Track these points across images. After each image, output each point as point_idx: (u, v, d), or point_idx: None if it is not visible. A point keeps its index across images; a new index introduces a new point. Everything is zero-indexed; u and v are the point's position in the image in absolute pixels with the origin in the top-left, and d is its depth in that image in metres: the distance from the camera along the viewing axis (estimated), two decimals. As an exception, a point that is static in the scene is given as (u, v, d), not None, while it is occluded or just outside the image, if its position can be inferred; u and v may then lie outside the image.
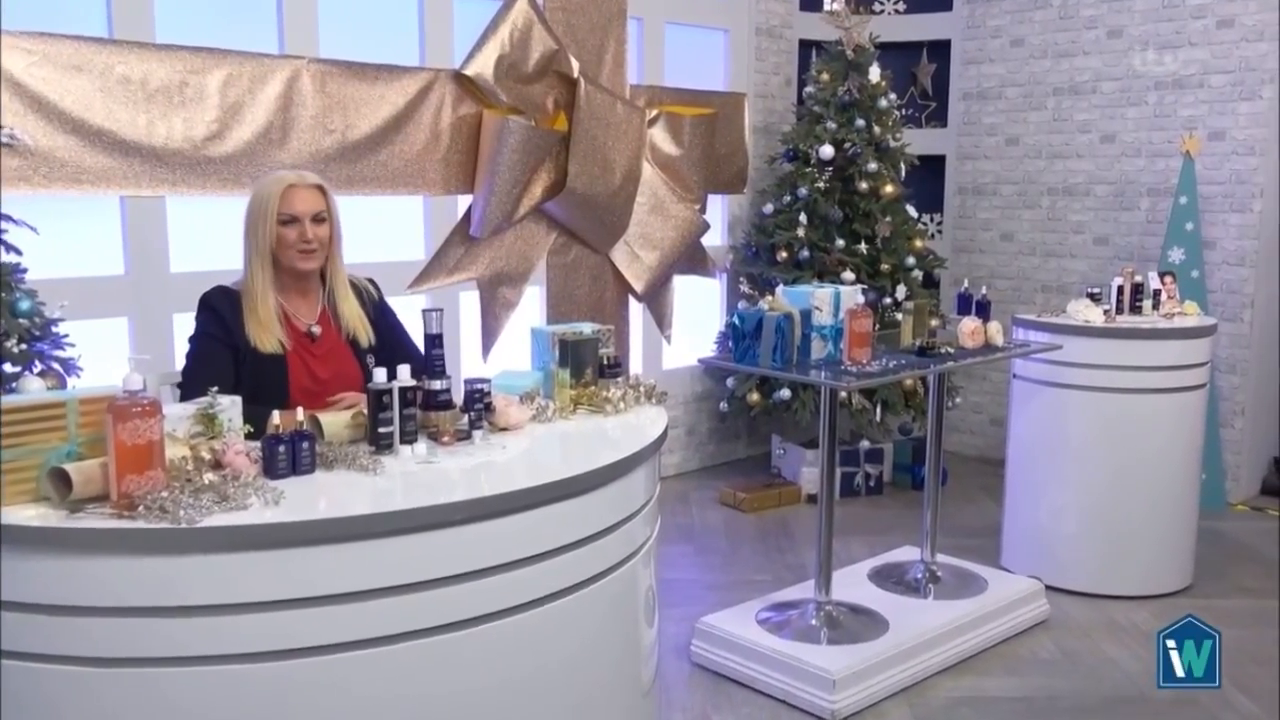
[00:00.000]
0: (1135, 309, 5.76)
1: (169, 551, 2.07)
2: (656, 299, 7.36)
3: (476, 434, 2.77)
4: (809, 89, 7.45)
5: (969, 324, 4.96)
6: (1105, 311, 5.53)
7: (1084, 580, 5.54)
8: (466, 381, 2.83)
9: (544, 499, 2.41)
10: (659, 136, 7.02)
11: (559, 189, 6.40)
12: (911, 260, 7.19)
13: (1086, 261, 7.67)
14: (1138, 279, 5.81)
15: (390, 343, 3.56)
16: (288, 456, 2.40)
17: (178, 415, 2.47)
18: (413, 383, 2.69)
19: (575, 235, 6.73)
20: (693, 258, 7.45)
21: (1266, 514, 6.95)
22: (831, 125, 7.14)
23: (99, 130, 4.77)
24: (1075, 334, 5.42)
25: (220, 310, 3.32)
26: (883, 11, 8.22)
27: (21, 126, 4.54)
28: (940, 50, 8.29)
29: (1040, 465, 5.65)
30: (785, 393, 6.97)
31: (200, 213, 5.26)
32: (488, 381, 2.89)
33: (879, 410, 7.10)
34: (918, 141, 7.77)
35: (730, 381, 7.35)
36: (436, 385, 2.77)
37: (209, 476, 2.25)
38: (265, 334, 3.30)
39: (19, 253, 4.05)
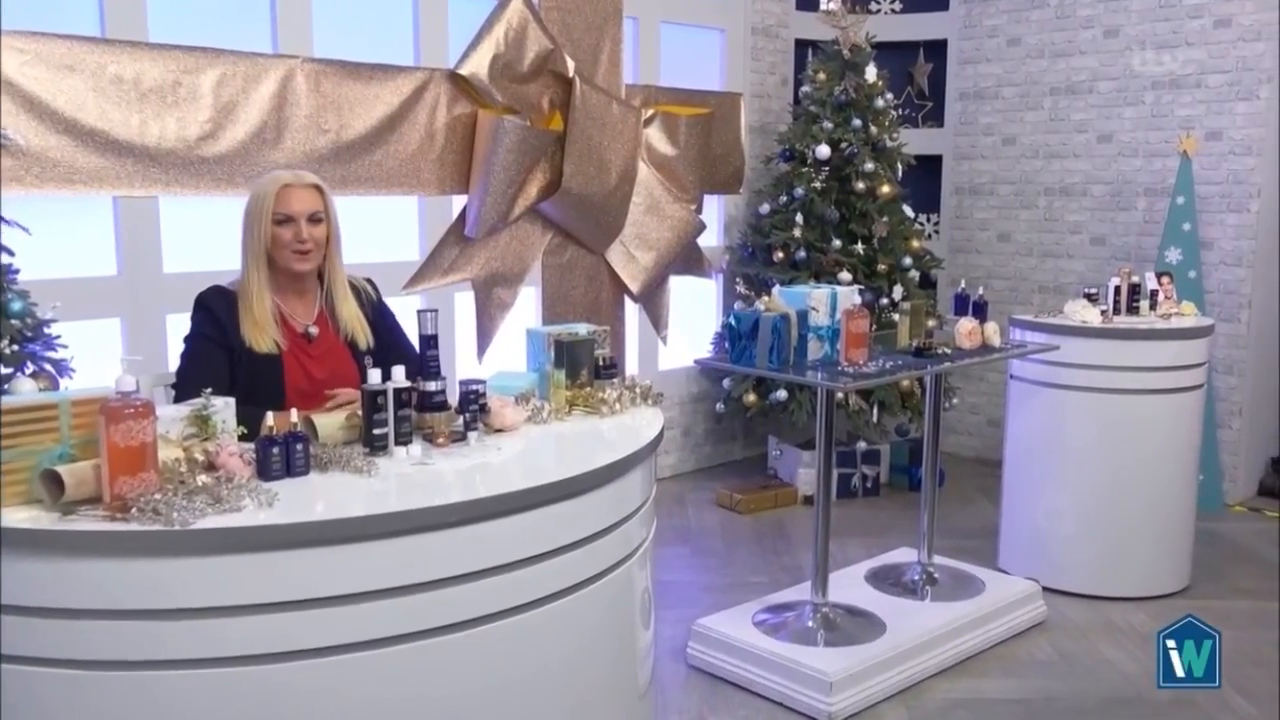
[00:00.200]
0: (1132, 309, 5.76)
1: (162, 554, 2.06)
2: (652, 300, 7.34)
3: (471, 435, 2.76)
4: (805, 89, 7.45)
5: (966, 324, 4.95)
6: (1102, 312, 5.52)
7: (1081, 582, 5.52)
8: (461, 382, 2.82)
9: (539, 500, 2.40)
10: (655, 136, 7.01)
11: (554, 189, 6.39)
12: (908, 260, 7.18)
13: (1083, 262, 7.67)
14: (1135, 279, 5.80)
15: (388, 344, 3.53)
16: (282, 458, 2.40)
17: (171, 417, 2.46)
18: (407, 384, 2.68)
19: (571, 236, 6.72)
20: (689, 258, 7.44)
21: (1264, 515, 6.94)
22: (828, 125, 7.13)
23: (92, 130, 4.74)
24: (1072, 334, 5.41)
25: (216, 310, 3.30)
26: (879, 11, 8.21)
27: (14, 126, 4.52)
28: (937, 50, 8.29)
29: (1037, 466, 5.64)
30: (782, 394, 6.96)
31: (193, 213, 5.24)
32: (483, 382, 2.88)
33: (876, 411, 7.08)
34: (914, 141, 7.76)
35: (726, 382, 7.34)
36: (431, 386, 2.77)
37: (202, 478, 2.25)
38: (261, 334, 3.28)
39: (11, 253, 4.03)
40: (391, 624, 2.21)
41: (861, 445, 7.28)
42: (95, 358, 4.26)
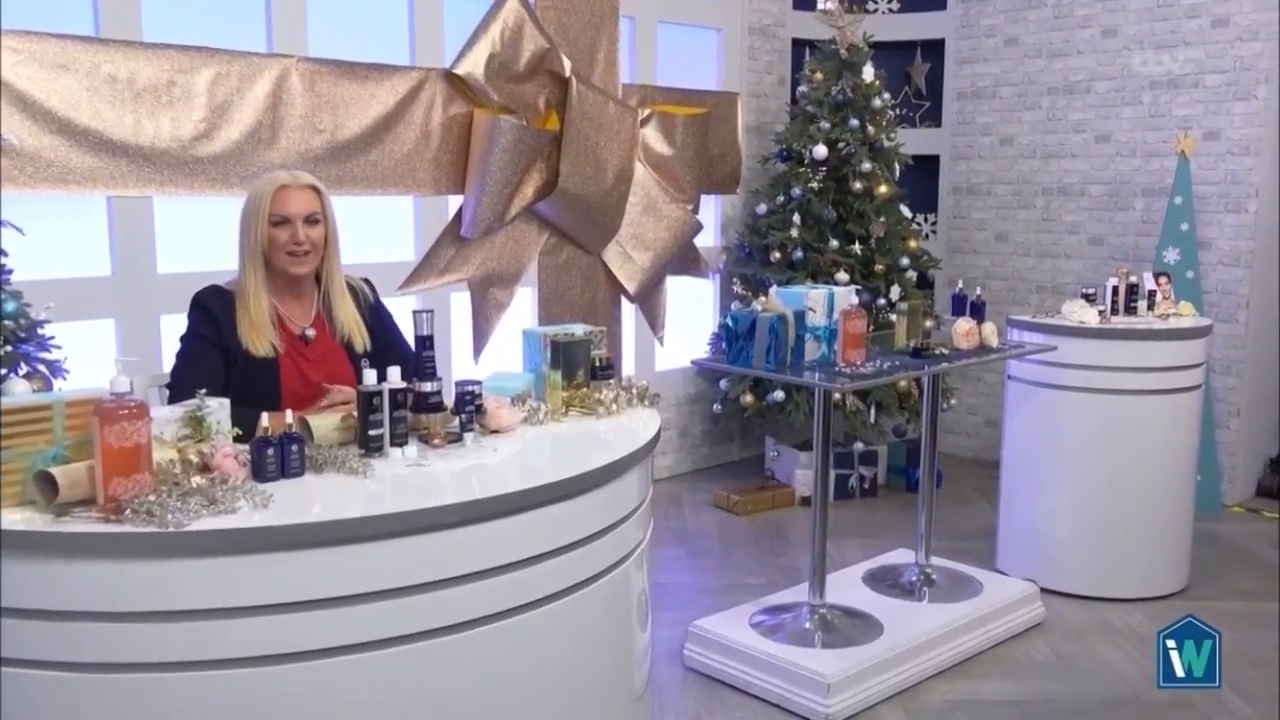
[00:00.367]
0: (1130, 310, 5.75)
1: (156, 556, 2.04)
2: (649, 300, 7.33)
3: (467, 436, 2.76)
4: (802, 88, 7.44)
5: (963, 325, 4.95)
6: (1100, 312, 5.51)
7: (1079, 583, 5.52)
8: (457, 383, 2.82)
9: (536, 502, 2.39)
10: (651, 136, 7.00)
11: (551, 189, 6.37)
12: (906, 261, 7.17)
13: (1081, 262, 7.66)
14: (1133, 280, 5.80)
15: (386, 345, 3.51)
16: (276, 459, 2.39)
17: (165, 418, 2.45)
18: (403, 385, 2.67)
19: (567, 236, 6.71)
20: (685, 258, 7.43)
21: (1262, 516, 6.94)
22: (825, 125, 7.12)
23: (85, 130, 4.73)
24: (1070, 335, 5.41)
25: (212, 310, 3.27)
26: (876, 10, 8.20)
27: (7, 126, 4.50)
28: (934, 49, 8.28)
29: (1035, 467, 5.63)
30: (779, 394, 6.95)
31: (188, 213, 5.23)
32: (479, 383, 2.87)
33: (873, 412, 7.08)
34: (912, 141, 7.76)
35: (724, 383, 7.33)
36: (427, 387, 2.76)
37: (197, 480, 2.24)
38: (257, 336, 3.25)
39: (4, 254, 4.02)
40: (387, 626, 2.19)
41: (859, 446, 7.27)
42: (89, 359, 4.23)
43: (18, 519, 2.10)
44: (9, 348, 3.89)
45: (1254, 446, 7.29)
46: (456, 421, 2.76)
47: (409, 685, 2.24)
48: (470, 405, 2.79)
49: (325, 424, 2.68)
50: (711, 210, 7.80)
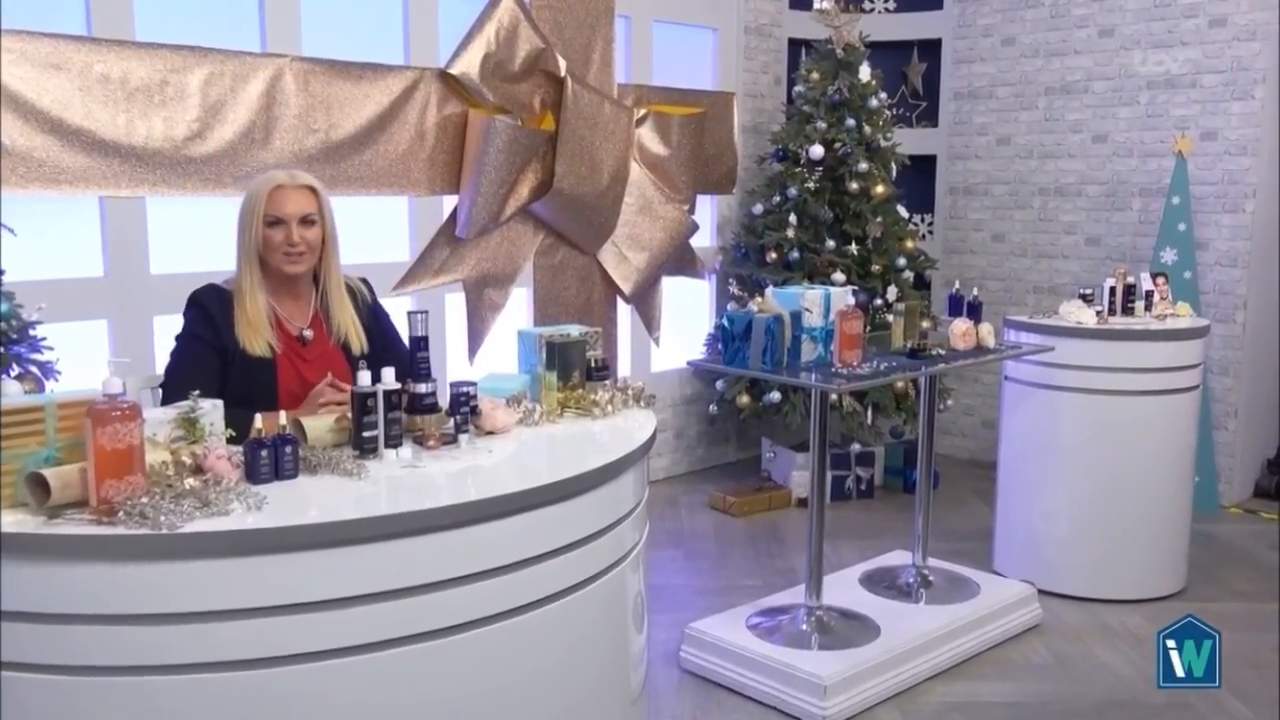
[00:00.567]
0: (1127, 310, 5.74)
1: (149, 558, 2.03)
2: (645, 301, 7.32)
3: (462, 438, 2.75)
4: (798, 88, 7.42)
5: (960, 325, 4.94)
6: (1097, 313, 5.51)
7: (1077, 584, 5.51)
8: (452, 384, 2.81)
9: (531, 503, 2.38)
10: (647, 136, 6.99)
11: (546, 189, 6.36)
12: (902, 261, 7.16)
13: (1078, 262, 7.65)
14: (1130, 280, 5.79)
15: (383, 345, 3.50)
16: (270, 461, 2.38)
17: (158, 419, 2.43)
18: (397, 386, 2.66)
19: (562, 236, 6.69)
20: (681, 259, 7.42)
21: (1260, 517, 6.93)
22: (821, 125, 7.11)
23: (77, 130, 4.71)
24: (1067, 336, 5.40)
25: (210, 309, 3.26)
26: (873, 10, 8.19)
27: (-1, 126, 4.49)
28: (931, 49, 8.27)
29: (1032, 468, 5.62)
30: (775, 395, 6.94)
31: (181, 213, 5.21)
32: (474, 384, 2.87)
33: (870, 413, 7.07)
34: (908, 141, 7.75)
35: (720, 384, 7.32)
36: (422, 388, 2.76)
37: (190, 481, 2.22)
38: (254, 336, 3.24)
39: (-3, 255, 4.00)
40: (382, 628, 2.18)
41: (855, 447, 7.26)
42: (81, 360, 4.22)
43: (9, 521, 2.08)
44: (1, 349, 3.87)
45: (1251, 447, 7.28)
46: (451, 423, 2.74)
47: (404, 688, 2.23)
48: (465, 406, 2.78)
49: (319, 425, 2.67)
50: (707, 210, 7.79)
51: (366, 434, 2.58)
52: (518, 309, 6.64)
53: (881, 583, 5.23)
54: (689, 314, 7.77)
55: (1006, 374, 5.73)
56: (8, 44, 4.50)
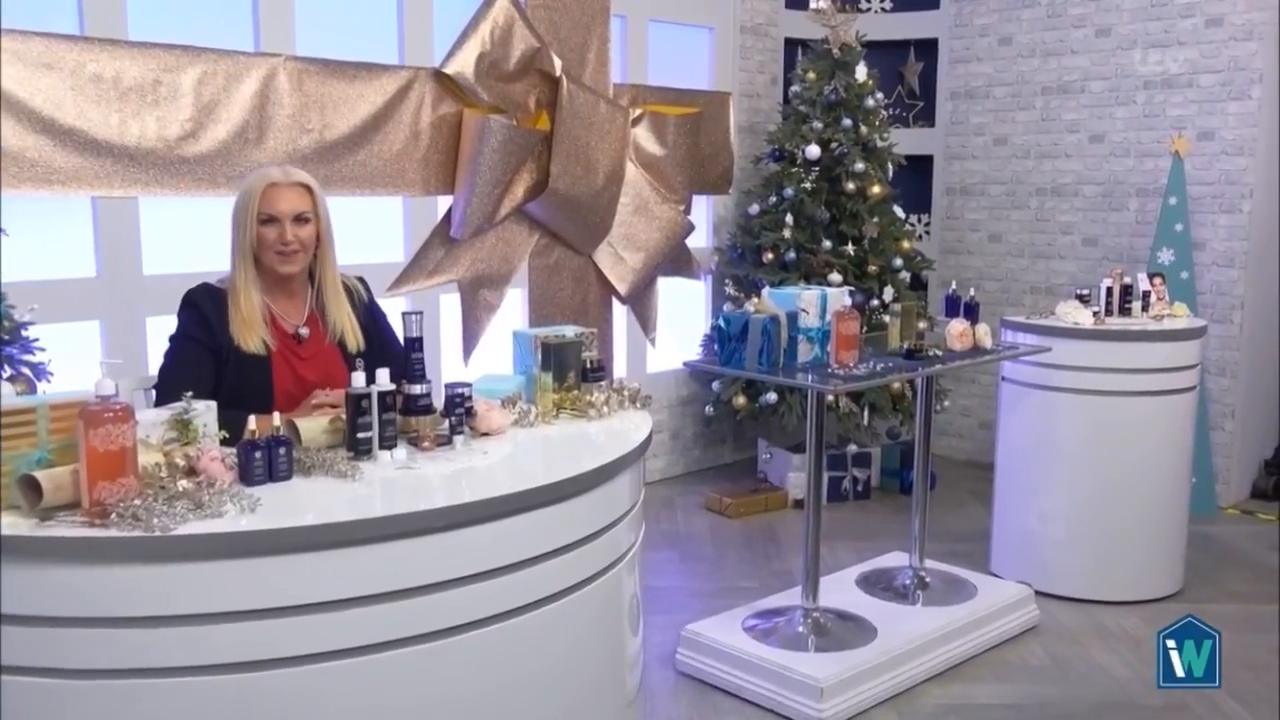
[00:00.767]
0: (1124, 311, 5.74)
1: (142, 560, 2.03)
2: (641, 301, 7.30)
3: (457, 439, 2.75)
4: (795, 88, 7.41)
5: (957, 326, 4.93)
6: (1094, 313, 5.51)
7: (1074, 585, 5.50)
8: (447, 386, 2.81)
9: (526, 505, 2.38)
10: (643, 136, 6.97)
11: (541, 189, 6.34)
12: (899, 261, 7.15)
13: (1075, 263, 7.64)
14: (1127, 280, 5.79)
15: (379, 344, 3.48)
16: (264, 462, 2.38)
17: (151, 421, 2.44)
18: (392, 387, 2.65)
19: (558, 237, 6.67)
20: (677, 259, 7.40)
21: (1257, 518, 6.93)
22: (818, 125, 7.10)
23: (70, 129, 4.69)
24: (1064, 336, 5.40)
25: (204, 308, 3.24)
26: (869, 10, 8.18)
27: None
28: (927, 49, 8.26)
29: (1029, 469, 5.61)
30: (771, 396, 6.93)
31: (174, 214, 5.20)
32: (469, 385, 2.87)
33: (866, 414, 7.06)
34: (905, 141, 7.74)
35: (716, 385, 7.31)
36: (416, 389, 2.75)
37: (183, 483, 2.22)
38: (249, 333, 3.22)
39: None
40: (377, 631, 2.19)
41: (852, 448, 7.25)
42: (74, 361, 4.20)
43: (1, 524, 2.08)
44: (-8, 350, 3.86)
45: (1249, 448, 7.28)
46: (446, 424, 2.74)
47: (398, 690, 2.22)
48: (460, 408, 2.77)
49: (313, 426, 2.67)
50: (703, 211, 7.78)
51: (361, 435, 2.57)
52: (513, 310, 6.62)
53: (878, 584, 5.22)
54: (685, 315, 7.76)
55: (1003, 375, 5.72)
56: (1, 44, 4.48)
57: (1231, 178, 6.92)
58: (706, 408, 7.48)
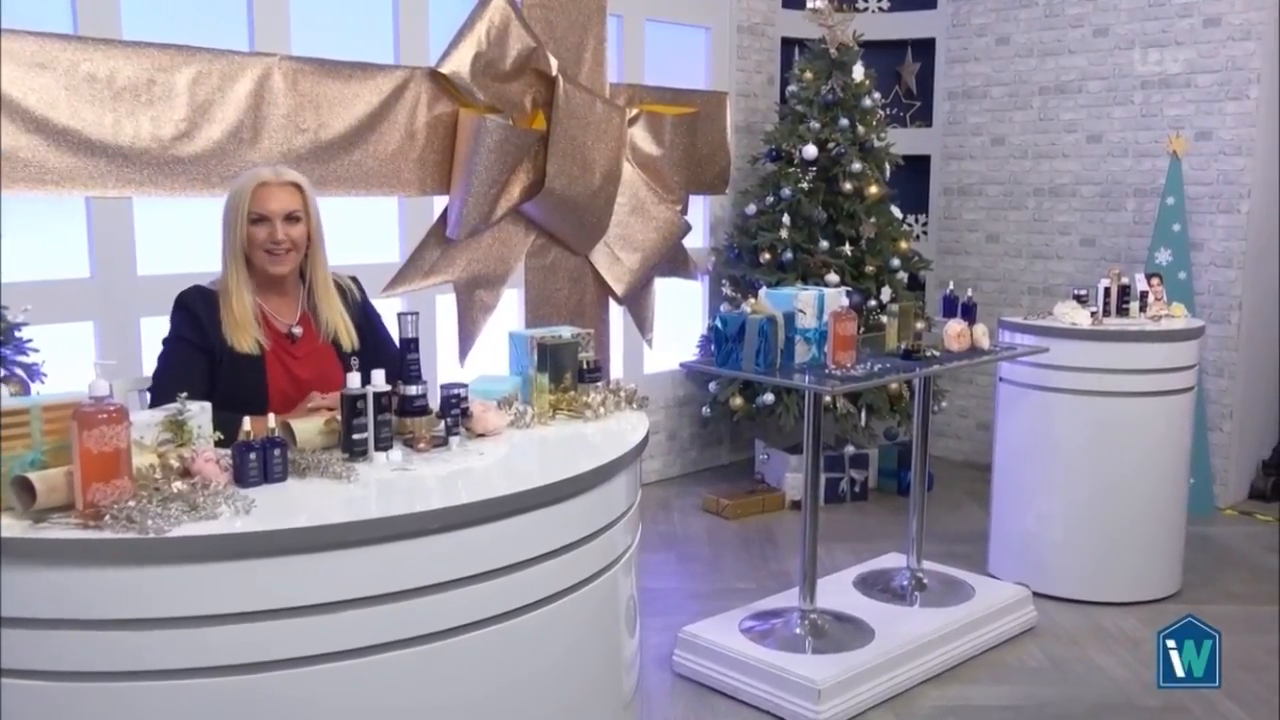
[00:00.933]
0: (1122, 311, 5.73)
1: (136, 562, 2.03)
2: (637, 302, 7.29)
3: (453, 440, 2.75)
4: (792, 88, 7.40)
5: (954, 327, 4.92)
6: (1092, 314, 5.50)
7: (1072, 587, 5.49)
8: (443, 386, 2.81)
9: (522, 506, 2.38)
10: (639, 136, 6.96)
11: (537, 190, 6.33)
12: (896, 262, 7.14)
13: (1073, 263, 7.64)
14: (1124, 281, 5.78)
15: (373, 344, 3.48)
16: (259, 464, 2.38)
17: (146, 422, 2.43)
18: (387, 388, 2.64)
19: (554, 237, 6.66)
20: (674, 259, 7.39)
21: (1255, 518, 6.92)
22: (815, 125, 7.09)
23: (64, 129, 4.67)
24: (1062, 337, 5.39)
25: (195, 311, 3.23)
26: (866, 9, 8.18)
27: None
28: (925, 49, 8.26)
29: (1027, 470, 5.60)
30: (769, 397, 6.92)
31: (168, 214, 5.18)
32: (465, 386, 2.87)
33: (864, 415, 7.04)
34: (902, 141, 7.73)
35: (713, 386, 7.29)
36: (412, 390, 2.75)
37: (178, 485, 2.23)
38: (241, 333, 3.21)
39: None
40: (372, 633, 2.18)
41: (849, 449, 7.24)
42: (68, 362, 4.19)
43: (-5, 526, 2.08)
44: (-14, 351, 3.85)
45: (1247, 449, 7.27)
46: (442, 425, 2.74)
47: (394, 693, 2.22)
48: (456, 408, 2.77)
49: (308, 427, 2.67)
50: (700, 211, 7.77)
51: (356, 436, 2.57)
52: (509, 310, 6.61)
53: (876, 586, 5.21)
54: (682, 315, 7.75)
55: (1001, 375, 5.71)
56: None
57: (1229, 178, 6.91)
58: (703, 409, 7.47)
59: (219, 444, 2.47)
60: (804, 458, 4.71)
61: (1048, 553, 5.52)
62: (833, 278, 6.90)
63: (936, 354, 4.80)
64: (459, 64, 5.91)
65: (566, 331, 3.31)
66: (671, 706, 4.42)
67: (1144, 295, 5.75)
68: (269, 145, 5.27)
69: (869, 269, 7.09)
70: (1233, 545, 6.40)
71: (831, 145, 7.07)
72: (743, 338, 4.34)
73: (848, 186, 7.05)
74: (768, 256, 7.12)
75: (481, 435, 2.84)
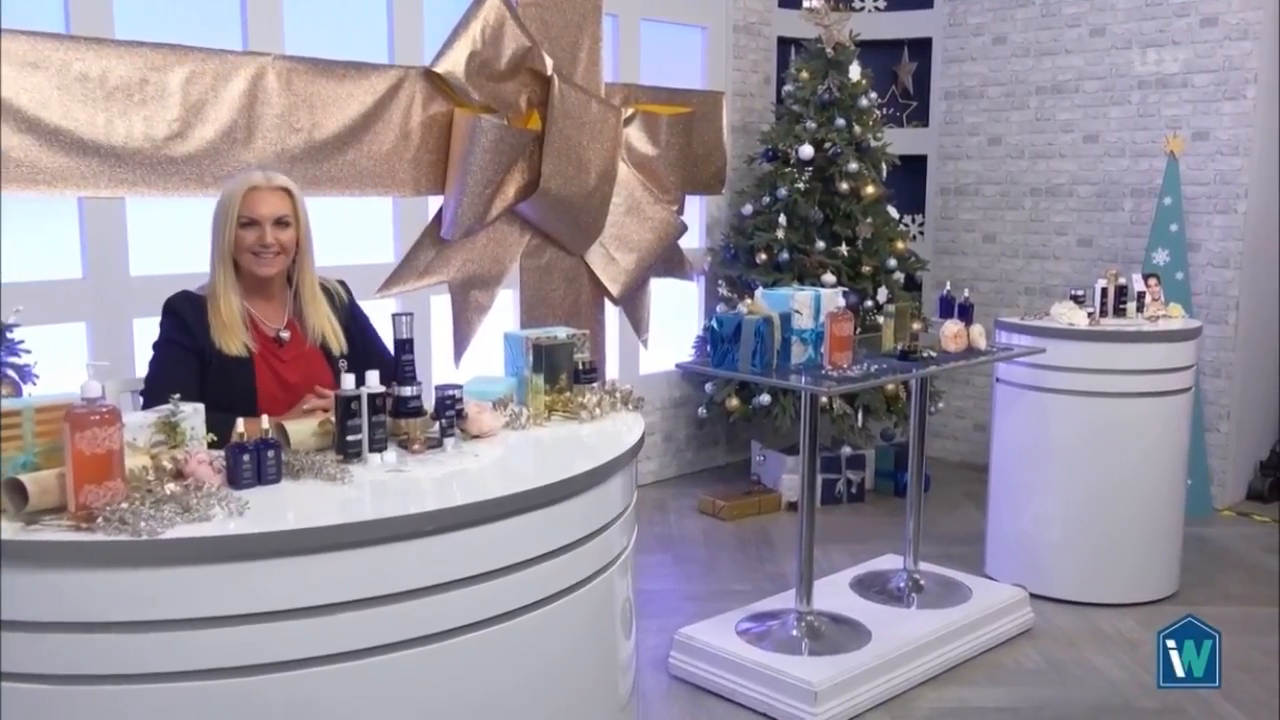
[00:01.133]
0: (1119, 312, 5.74)
1: (129, 564, 2.02)
2: (633, 302, 7.27)
3: (448, 442, 2.74)
4: (788, 87, 7.40)
5: (951, 327, 4.92)
6: (1089, 314, 5.50)
7: (1069, 588, 5.48)
8: (438, 388, 2.80)
9: (517, 508, 2.37)
10: (635, 136, 6.94)
11: (532, 190, 6.31)
12: (893, 262, 7.14)
13: (1070, 263, 7.63)
14: (1121, 281, 5.79)
15: (362, 347, 3.48)
16: (252, 465, 2.37)
17: (138, 423, 2.42)
18: (382, 389, 2.64)
19: (549, 237, 6.64)
20: (670, 260, 7.38)
21: (1252, 519, 6.92)
22: (811, 124, 7.08)
23: (56, 129, 4.64)
24: (1059, 337, 5.38)
25: (184, 314, 3.24)
26: (863, 9, 8.18)
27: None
28: (921, 48, 8.26)
29: (1024, 471, 5.59)
30: (765, 398, 6.91)
31: (161, 214, 5.16)
32: (459, 388, 2.87)
33: (860, 415, 7.04)
34: (899, 141, 7.72)
35: (709, 387, 7.28)
36: (407, 391, 2.74)
37: (171, 487, 2.22)
38: (229, 336, 3.22)
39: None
40: (366, 635, 2.17)
41: (846, 450, 7.23)
42: (60, 363, 4.19)
43: (-11, 529, 2.07)
44: (-22, 352, 3.84)
45: (1244, 449, 7.27)
46: (437, 426, 2.73)
47: (388, 696, 2.21)
48: (451, 410, 2.77)
49: (302, 429, 2.66)
50: (696, 211, 7.76)
51: (350, 438, 2.56)
52: (504, 311, 6.59)
53: (872, 587, 5.20)
54: (678, 316, 7.73)
55: (998, 376, 5.70)
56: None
57: (1226, 178, 6.91)
58: (699, 410, 7.46)
59: (212, 445, 2.46)
60: (800, 459, 4.71)
61: (1045, 554, 5.51)
62: (829, 278, 6.89)
63: (933, 355, 4.80)
64: (454, 63, 5.89)
65: (562, 332, 3.31)
66: (668, 709, 4.41)
67: (1141, 295, 5.76)
68: (262, 145, 5.25)
69: (866, 269, 7.08)
70: (1230, 546, 6.39)
71: (828, 145, 7.06)
72: (739, 338, 4.33)
73: (844, 186, 7.04)
74: (764, 257, 7.11)
75: (476, 437, 2.83)
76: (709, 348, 4.60)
